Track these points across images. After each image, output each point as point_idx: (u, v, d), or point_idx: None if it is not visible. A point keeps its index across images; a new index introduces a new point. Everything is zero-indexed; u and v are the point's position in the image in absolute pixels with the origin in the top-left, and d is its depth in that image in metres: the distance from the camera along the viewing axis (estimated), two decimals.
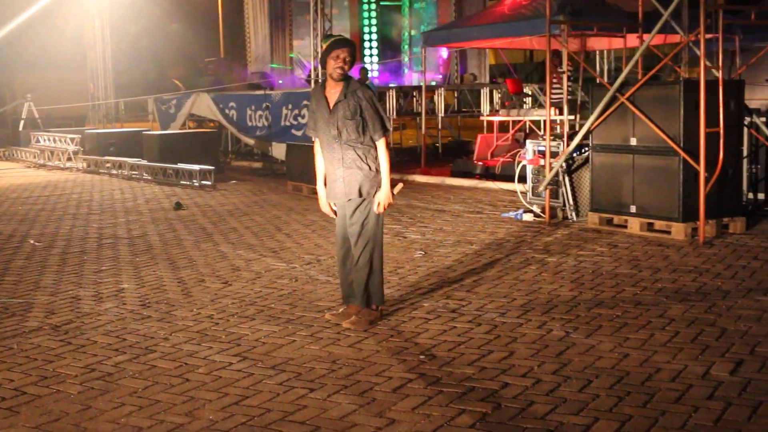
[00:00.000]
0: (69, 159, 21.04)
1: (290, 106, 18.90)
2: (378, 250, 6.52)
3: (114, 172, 18.77)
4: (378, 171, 6.44)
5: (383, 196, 6.42)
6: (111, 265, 9.06)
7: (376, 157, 6.45)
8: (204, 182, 15.84)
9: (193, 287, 7.96)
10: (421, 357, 5.75)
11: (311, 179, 14.40)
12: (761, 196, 11.37)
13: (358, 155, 6.40)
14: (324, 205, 6.74)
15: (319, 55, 6.52)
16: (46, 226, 11.74)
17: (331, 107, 6.43)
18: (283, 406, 4.95)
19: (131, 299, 7.55)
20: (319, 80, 17.61)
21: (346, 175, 6.44)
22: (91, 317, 6.97)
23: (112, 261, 9.25)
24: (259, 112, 19.85)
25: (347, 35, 26.23)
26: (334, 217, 6.71)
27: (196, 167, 16.04)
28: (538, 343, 6.02)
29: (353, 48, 6.44)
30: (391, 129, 6.70)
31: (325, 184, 6.67)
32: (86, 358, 5.93)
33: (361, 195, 6.41)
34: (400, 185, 6.67)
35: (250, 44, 27.40)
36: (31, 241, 10.46)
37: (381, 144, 6.42)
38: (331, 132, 6.44)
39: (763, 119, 10.82)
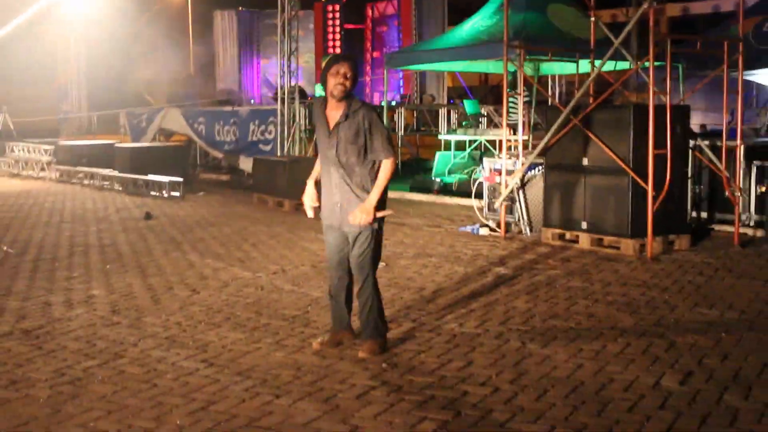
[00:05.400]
0: (42, 169, 20.71)
1: (257, 122, 18.76)
2: (376, 279, 5.92)
3: (86, 182, 18.49)
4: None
5: (364, 208, 5.68)
6: (82, 272, 8.86)
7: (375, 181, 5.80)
8: (173, 193, 15.64)
9: (162, 294, 7.80)
10: (384, 365, 5.65)
11: (277, 192, 14.35)
12: (704, 214, 11.43)
13: (357, 182, 5.76)
14: (307, 198, 5.98)
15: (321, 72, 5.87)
16: (19, 234, 11.49)
17: (330, 128, 5.75)
18: (249, 411, 4.82)
19: (101, 305, 7.37)
20: (285, 98, 17.51)
21: (344, 203, 5.79)
22: (61, 322, 6.79)
23: (83, 268, 9.05)
24: (227, 128, 19.69)
25: (311, 56, 26.29)
26: (311, 216, 6.01)
27: (166, 179, 15.83)
28: (496, 352, 5.94)
29: (355, 63, 5.75)
30: (394, 153, 5.81)
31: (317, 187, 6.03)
32: (56, 362, 5.76)
33: (363, 228, 5.78)
34: (389, 211, 5.91)
35: (219, 63, 27.21)
36: (4, 248, 10.21)
37: (387, 163, 5.72)
38: (328, 155, 5.79)
39: (707, 142, 10.87)
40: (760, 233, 10.68)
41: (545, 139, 10.47)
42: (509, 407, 4.86)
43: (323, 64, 5.80)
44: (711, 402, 4.94)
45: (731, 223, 10.54)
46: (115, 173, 17.59)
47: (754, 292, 7.74)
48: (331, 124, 5.76)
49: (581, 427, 4.56)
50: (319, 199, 5.98)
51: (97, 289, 8.05)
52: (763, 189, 10.58)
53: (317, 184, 6.02)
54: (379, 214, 5.77)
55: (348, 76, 5.65)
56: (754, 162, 10.92)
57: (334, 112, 5.77)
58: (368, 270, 5.84)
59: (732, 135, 10.68)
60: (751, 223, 10.91)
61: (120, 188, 17.12)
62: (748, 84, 18.89)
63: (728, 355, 5.85)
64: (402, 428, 4.57)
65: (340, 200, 5.83)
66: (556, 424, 4.61)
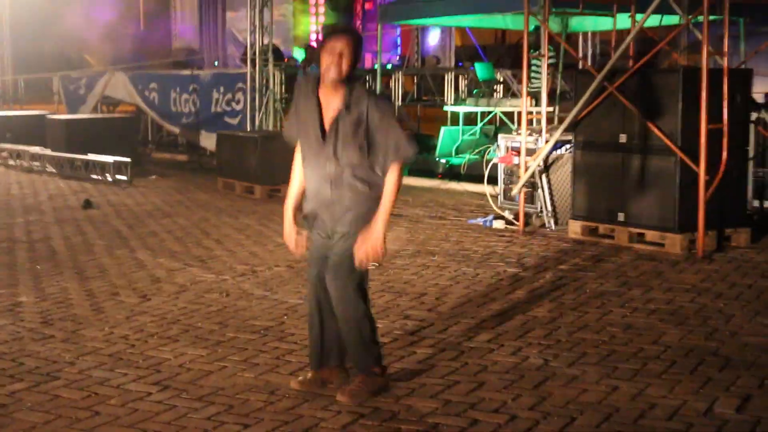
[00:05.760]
0: None
1: (222, 89, 18.77)
2: (361, 286, 5.56)
3: (11, 162, 18.49)
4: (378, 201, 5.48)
5: (372, 240, 5.36)
6: (6, 273, 8.89)
7: (381, 179, 5.49)
8: (119, 177, 15.64)
9: (105, 302, 7.82)
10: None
11: (245, 175, 14.36)
12: None
13: (358, 174, 5.46)
14: (289, 234, 5.63)
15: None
16: None
17: (327, 121, 5.47)
18: None
19: (31, 315, 7.39)
20: (256, 59, 17.51)
21: (337, 197, 5.48)
22: None
23: (7, 269, 9.08)
24: (186, 96, 19.69)
25: (289, 8, 26.26)
26: (300, 253, 5.69)
27: (110, 159, 15.83)
28: (512, 372, 5.98)
29: (354, 38, 5.45)
30: (415, 151, 5.49)
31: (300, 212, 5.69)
32: None
33: (353, 229, 5.45)
34: (401, 234, 5.47)
35: (176, 15, 27.19)
36: None
37: (395, 167, 5.42)
38: (324, 151, 5.47)
39: None
40: None
41: (574, 111, 10.49)
42: None
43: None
44: None
45: None
46: (48, 152, 17.57)
47: None
48: (327, 115, 5.49)
49: None
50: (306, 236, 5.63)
51: (24, 294, 8.07)
52: None
53: (298, 209, 5.67)
54: (393, 239, 5.34)
55: (344, 54, 5.37)
56: None
57: (331, 98, 5.49)
58: (347, 273, 5.47)
59: None
60: None
61: (53, 170, 17.11)
62: None
63: None
64: None
65: (332, 195, 5.51)
66: None
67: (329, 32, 5.54)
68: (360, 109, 5.42)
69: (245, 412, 5.31)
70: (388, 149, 5.42)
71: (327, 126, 5.48)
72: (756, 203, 11.41)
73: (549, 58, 12.00)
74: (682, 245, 9.62)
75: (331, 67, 5.37)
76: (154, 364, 6.18)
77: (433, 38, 24.57)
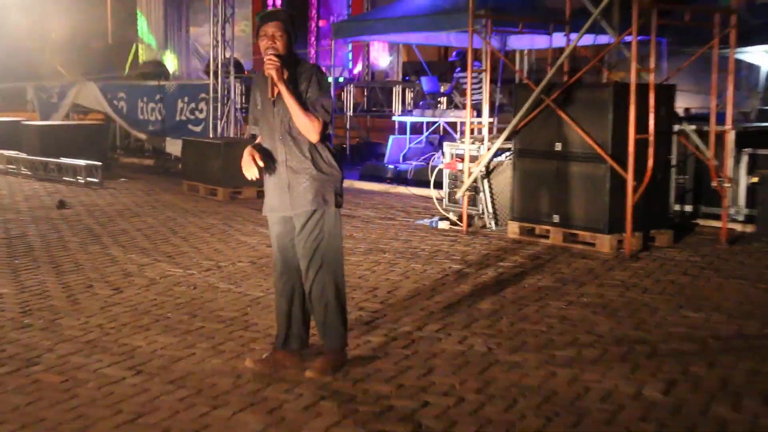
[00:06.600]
0: None
1: (186, 99, 18.72)
2: (339, 275, 5.68)
3: None
4: (332, 173, 5.58)
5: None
6: None
7: (328, 158, 5.59)
8: (90, 179, 15.54)
9: (80, 294, 7.78)
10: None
11: (209, 178, 14.34)
12: (688, 208, 11.62)
13: (306, 155, 5.50)
14: (247, 158, 5.49)
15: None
16: None
17: (274, 95, 5.47)
18: (183, 424, 4.86)
19: (11, 306, 7.34)
20: (218, 71, 17.46)
21: (294, 182, 5.52)
22: None
23: None
24: (152, 105, 19.61)
25: (248, 24, 26.15)
26: (252, 177, 5.56)
27: (82, 162, 15.73)
28: (460, 359, 6.03)
29: (286, 19, 5.45)
30: (329, 119, 5.49)
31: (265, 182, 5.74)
32: None
33: (314, 206, 5.53)
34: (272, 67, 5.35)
35: (143, 29, 26.98)
36: None
37: (316, 123, 5.42)
38: (272, 124, 5.54)
39: (693, 127, 11.03)
40: (750, 229, 10.91)
41: (514, 121, 10.57)
42: (475, 419, 4.95)
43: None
44: (697, 413, 5.07)
45: (718, 217, 10.74)
46: (23, 155, 17.43)
47: (743, 294, 7.94)
48: (275, 91, 5.47)
49: None
50: (262, 159, 5.55)
51: (4, 287, 8.00)
52: (755, 180, 10.78)
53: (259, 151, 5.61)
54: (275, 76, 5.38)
55: (277, 36, 5.40)
56: (745, 150, 11.13)
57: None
58: (322, 259, 5.55)
59: (720, 119, 10.85)
60: (741, 218, 11.11)
61: (28, 173, 16.96)
62: (738, 63, 19.21)
63: (715, 362, 5.99)
64: None
65: (288, 179, 5.54)
66: None
67: (260, 18, 5.52)
68: (302, 80, 5.47)
69: (214, 394, 5.31)
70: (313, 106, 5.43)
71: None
72: (678, 207, 11.57)
73: (486, 72, 12.01)
74: (611, 245, 9.72)
75: (267, 51, 5.40)
76: (128, 350, 6.16)
77: (384, 60, 24.63)
